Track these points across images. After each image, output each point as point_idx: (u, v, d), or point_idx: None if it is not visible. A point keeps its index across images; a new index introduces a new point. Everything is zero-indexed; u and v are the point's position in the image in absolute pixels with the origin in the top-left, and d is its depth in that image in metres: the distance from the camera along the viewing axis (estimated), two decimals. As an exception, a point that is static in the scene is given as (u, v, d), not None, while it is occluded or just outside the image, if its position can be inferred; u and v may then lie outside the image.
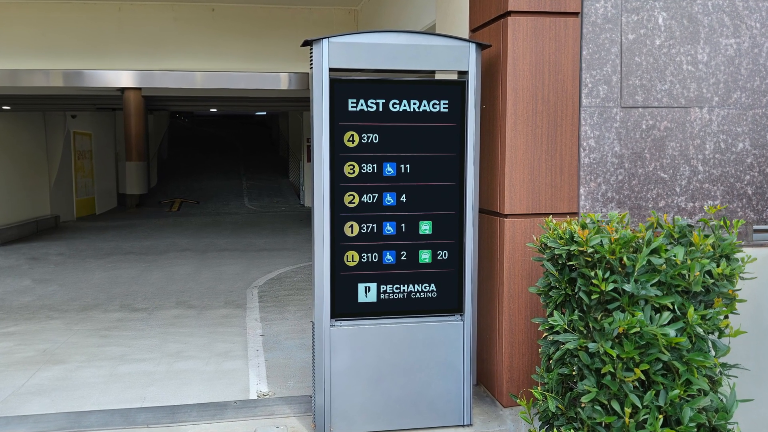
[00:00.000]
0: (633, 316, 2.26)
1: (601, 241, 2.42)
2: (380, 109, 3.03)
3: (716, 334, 2.44)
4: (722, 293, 2.45)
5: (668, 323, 2.28)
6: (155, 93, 9.59)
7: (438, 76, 3.64)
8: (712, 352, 2.41)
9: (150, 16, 7.53)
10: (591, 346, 2.34)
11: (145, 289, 6.88)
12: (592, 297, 2.39)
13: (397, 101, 3.03)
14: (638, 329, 2.24)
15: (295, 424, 3.26)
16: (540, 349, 2.72)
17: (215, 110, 17.42)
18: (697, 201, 3.37)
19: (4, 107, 10.80)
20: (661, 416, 2.23)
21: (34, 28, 7.46)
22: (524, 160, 3.23)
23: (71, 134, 13.81)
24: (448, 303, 3.16)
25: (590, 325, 2.42)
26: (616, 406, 2.30)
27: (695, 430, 2.24)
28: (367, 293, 3.09)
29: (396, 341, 3.12)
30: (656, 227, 2.69)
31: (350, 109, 3.01)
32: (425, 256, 3.13)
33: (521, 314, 3.29)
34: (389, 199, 3.08)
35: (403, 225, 3.09)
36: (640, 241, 2.44)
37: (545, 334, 2.62)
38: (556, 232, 2.62)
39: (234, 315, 5.71)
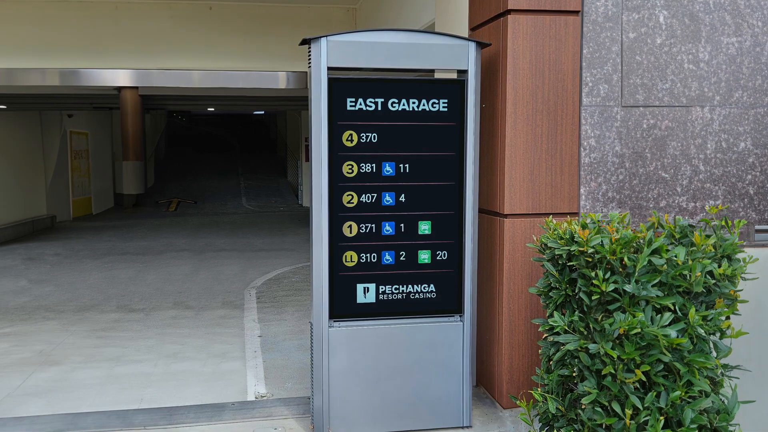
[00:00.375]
0: (634, 316, 2.25)
1: (602, 241, 2.40)
2: (379, 108, 3.01)
3: (718, 335, 2.42)
4: (724, 294, 2.44)
5: (669, 324, 2.27)
6: (152, 92, 9.55)
7: (437, 75, 3.62)
8: (714, 353, 2.39)
9: (147, 14, 7.49)
10: (591, 347, 2.32)
11: (142, 289, 6.85)
12: (593, 297, 2.38)
13: (396, 100, 3.01)
14: (639, 330, 2.22)
15: (294, 425, 3.24)
16: (540, 350, 2.70)
17: (213, 109, 17.37)
18: (699, 201, 3.36)
19: (0, 106, 10.75)
20: (662, 418, 2.21)
21: (30, 26, 7.42)
22: (524, 160, 3.22)
23: (68, 133, 13.75)
24: (447, 304, 3.14)
25: (591, 325, 2.40)
26: (616, 407, 2.28)
27: (696, 431, 2.22)
28: (365, 294, 3.07)
29: (395, 342, 3.11)
30: (657, 227, 2.68)
31: (349, 108, 2.99)
32: (424, 256, 3.11)
33: (521, 315, 3.28)
34: (388, 198, 3.06)
35: (402, 225, 3.07)
36: (641, 241, 2.43)
37: (545, 335, 2.61)
38: (556, 233, 2.61)
39: (232, 316, 5.68)
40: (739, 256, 2.54)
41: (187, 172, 21.43)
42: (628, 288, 2.30)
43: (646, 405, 2.24)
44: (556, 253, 2.54)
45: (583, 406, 2.38)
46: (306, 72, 3.01)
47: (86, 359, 4.42)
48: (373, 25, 6.92)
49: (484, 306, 3.47)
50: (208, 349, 4.64)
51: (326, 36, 2.93)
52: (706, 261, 2.35)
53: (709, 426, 2.31)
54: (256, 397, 3.68)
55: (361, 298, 3.07)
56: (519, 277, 3.25)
